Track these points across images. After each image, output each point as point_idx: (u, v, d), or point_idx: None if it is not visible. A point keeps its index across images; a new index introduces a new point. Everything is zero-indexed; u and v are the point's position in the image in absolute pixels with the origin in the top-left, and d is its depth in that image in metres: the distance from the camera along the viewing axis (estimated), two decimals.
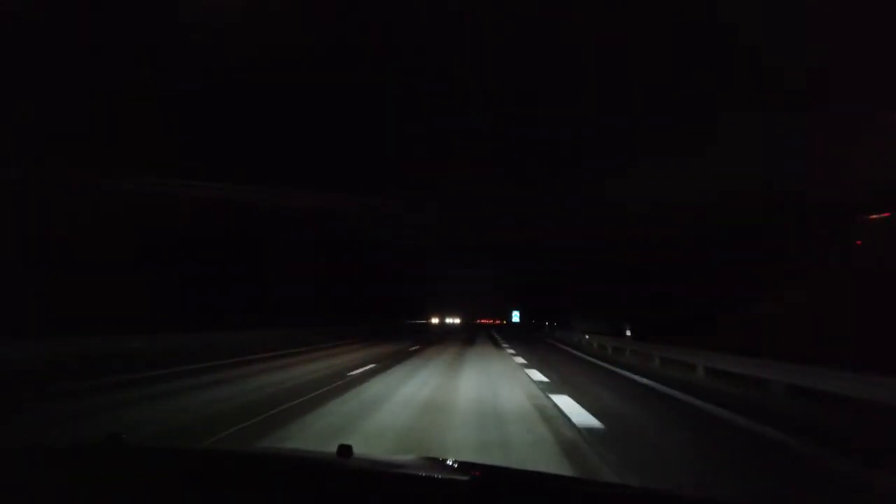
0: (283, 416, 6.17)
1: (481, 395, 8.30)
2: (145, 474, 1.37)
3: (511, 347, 22.11)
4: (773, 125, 11.12)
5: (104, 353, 11.89)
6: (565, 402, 7.57)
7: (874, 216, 12.21)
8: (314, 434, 5.34)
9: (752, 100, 10.70)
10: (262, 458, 1.76)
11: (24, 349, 10.57)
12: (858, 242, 12.52)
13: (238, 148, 16.03)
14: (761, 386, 9.13)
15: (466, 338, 32.53)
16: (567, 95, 12.60)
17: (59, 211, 14.62)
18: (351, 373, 11.07)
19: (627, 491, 1.85)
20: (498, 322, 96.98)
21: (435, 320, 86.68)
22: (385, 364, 13.33)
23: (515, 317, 79.97)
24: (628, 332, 21.10)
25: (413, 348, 19.73)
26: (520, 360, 15.73)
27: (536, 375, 11.45)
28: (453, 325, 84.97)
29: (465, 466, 1.80)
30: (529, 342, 28.66)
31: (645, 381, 10.94)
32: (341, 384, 9.20)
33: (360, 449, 1.59)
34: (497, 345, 24.71)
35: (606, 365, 14.69)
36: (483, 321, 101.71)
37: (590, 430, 5.77)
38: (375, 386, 9.19)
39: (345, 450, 1.51)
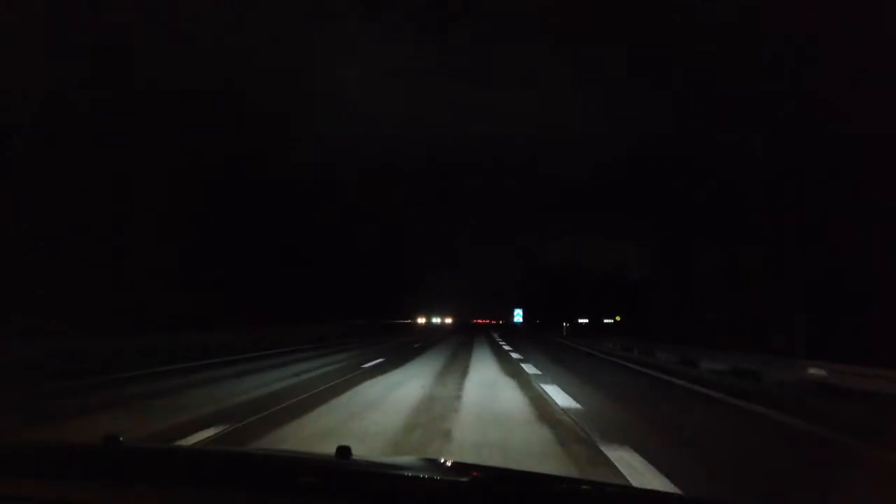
0: None
1: None
2: (143, 475, 1.37)
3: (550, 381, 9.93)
4: None
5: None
6: None
7: None
8: None
9: None
10: (260, 458, 1.79)
11: (113, 344, 11.84)
12: None
13: None
14: None
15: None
16: None
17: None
18: None
19: (627, 491, 2.04)
20: (495, 322, 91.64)
21: (422, 320, 75.98)
22: None
23: (517, 316, 69.45)
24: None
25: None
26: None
27: None
28: (444, 325, 75.58)
29: (463, 467, 1.85)
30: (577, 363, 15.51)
31: None
32: None
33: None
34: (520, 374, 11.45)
35: None
36: (480, 321, 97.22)
37: None
38: None
39: (343, 450, 1.51)
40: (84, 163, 15.01)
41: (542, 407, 6.92)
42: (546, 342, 28.06)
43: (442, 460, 2.24)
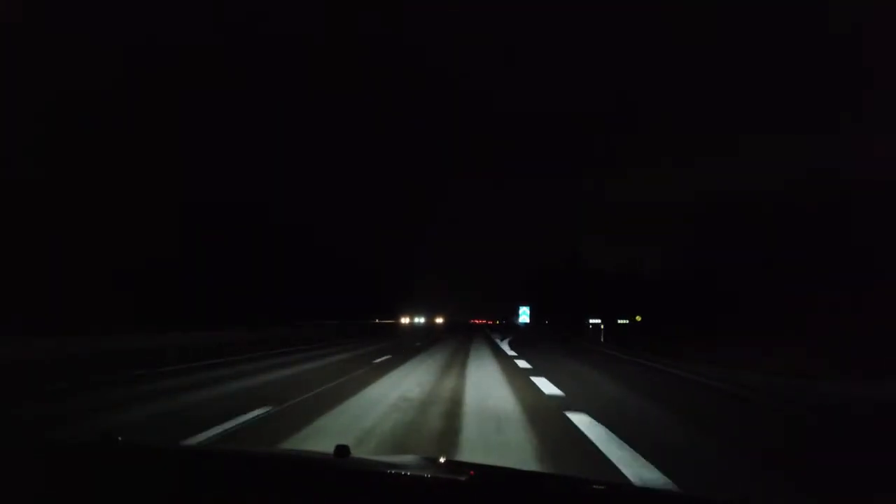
0: None
1: None
2: (141, 474, 1.37)
3: None
4: None
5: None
6: None
7: None
8: None
9: None
10: (258, 458, 1.77)
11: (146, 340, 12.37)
12: None
13: None
14: None
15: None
16: None
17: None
18: None
19: (626, 490, 2.06)
20: (492, 322, 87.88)
21: (406, 320, 68.61)
22: None
23: (523, 315, 56.40)
24: None
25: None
26: None
27: None
28: (435, 326, 66.39)
29: (461, 466, 1.90)
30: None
31: None
32: None
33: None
34: None
35: None
36: (478, 321, 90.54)
37: None
38: None
39: (342, 450, 1.51)
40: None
41: None
42: (618, 368, 14.50)
43: (440, 459, 2.17)
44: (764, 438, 5.51)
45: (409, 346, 18.87)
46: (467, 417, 5.81)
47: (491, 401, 6.97)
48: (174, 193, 22.79)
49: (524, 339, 29.28)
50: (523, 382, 9.03)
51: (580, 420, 5.62)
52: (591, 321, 74.21)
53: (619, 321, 65.47)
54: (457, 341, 24.58)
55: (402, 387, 8.16)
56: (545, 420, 5.70)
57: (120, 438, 1.54)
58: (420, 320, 73.22)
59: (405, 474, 1.52)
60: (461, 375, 10.11)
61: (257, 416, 5.63)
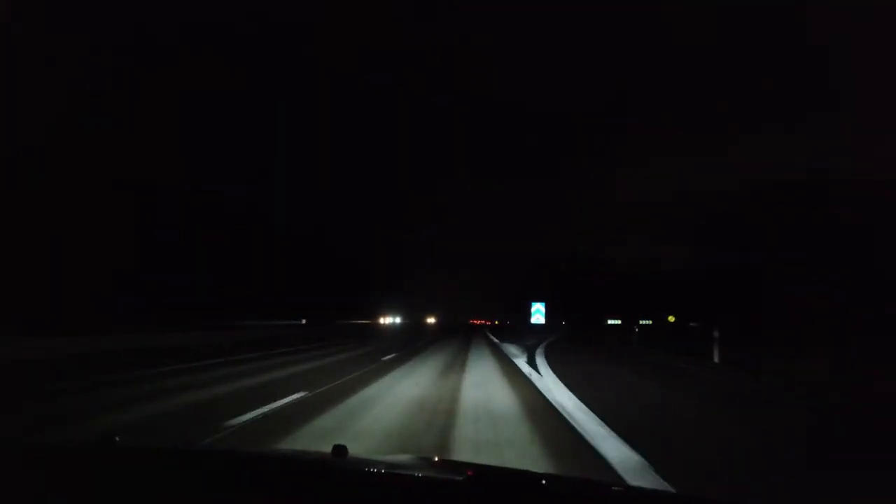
0: None
1: None
2: (139, 475, 1.37)
3: None
4: None
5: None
6: None
7: None
8: None
9: None
10: (255, 458, 1.78)
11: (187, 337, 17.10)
12: None
13: None
14: None
15: None
16: None
17: None
18: None
19: (625, 491, 1.92)
20: (489, 322, 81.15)
21: (384, 320, 60.57)
22: None
23: (537, 314, 43.37)
24: None
25: None
26: None
27: None
28: (428, 326, 57.76)
29: (459, 466, 1.91)
30: None
31: None
32: None
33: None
34: None
35: None
36: (477, 321, 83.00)
37: None
38: None
39: (339, 450, 1.53)
40: None
41: None
42: None
43: (437, 459, 2.25)
44: None
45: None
46: None
47: None
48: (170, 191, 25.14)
49: (562, 348, 19.09)
50: None
51: None
52: (611, 322, 59.07)
53: (642, 322, 44.32)
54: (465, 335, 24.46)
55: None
56: None
57: (117, 439, 1.55)
58: (397, 321, 61.93)
59: (403, 474, 1.53)
60: None
61: None
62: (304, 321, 38.35)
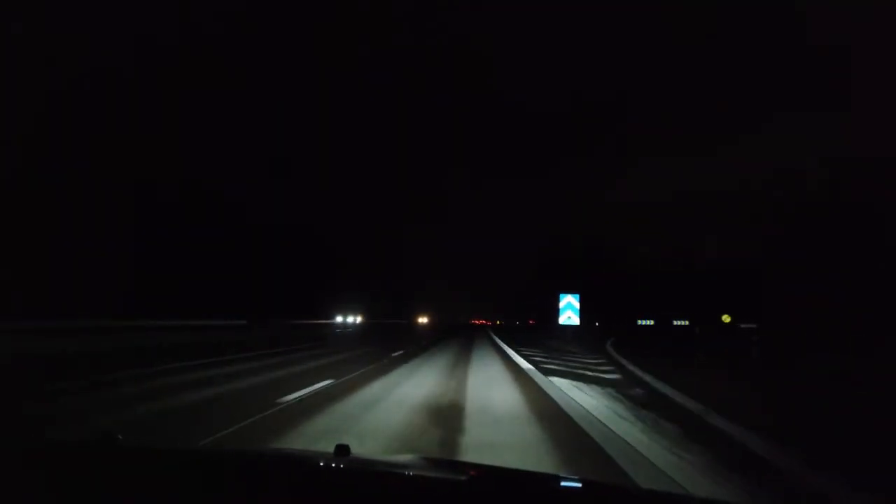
0: None
1: None
2: (140, 475, 1.35)
3: None
4: None
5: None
6: None
7: None
8: None
9: None
10: (258, 457, 1.75)
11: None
12: None
13: None
14: None
15: None
16: None
17: None
18: None
19: (626, 491, 1.93)
20: (489, 323, 79.88)
21: (343, 318, 49.36)
22: None
23: (569, 310, 27.54)
24: None
25: None
26: None
27: None
28: (422, 326, 54.41)
29: (461, 466, 1.90)
30: None
31: None
32: None
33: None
34: None
35: None
36: (477, 322, 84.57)
37: None
38: None
39: (342, 449, 1.51)
40: None
41: None
42: None
43: (440, 459, 2.18)
44: None
45: None
46: None
47: None
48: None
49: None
50: None
51: None
52: (642, 322, 53.53)
53: (676, 322, 50.02)
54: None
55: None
56: None
57: (120, 437, 1.53)
58: (351, 319, 50.49)
59: (405, 474, 1.52)
60: None
61: None
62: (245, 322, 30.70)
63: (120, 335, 17.44)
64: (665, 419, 5.49)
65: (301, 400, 6.26)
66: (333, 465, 1.47)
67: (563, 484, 1.71)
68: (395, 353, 14.04)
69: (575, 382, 8.63)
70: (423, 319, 68.50)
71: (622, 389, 7.90)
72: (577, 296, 25.25)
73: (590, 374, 10.24)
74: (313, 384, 7.49)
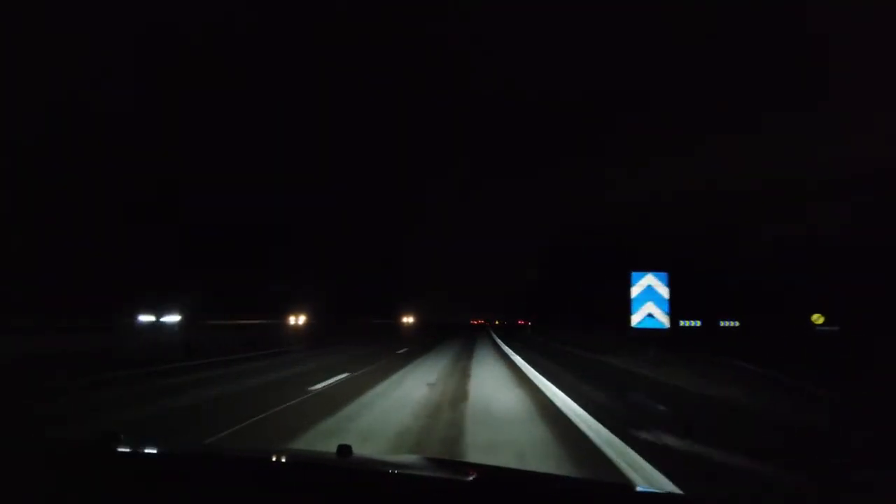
0: None
1: None
2: (143, 474, 1.34)
3: None
4: None
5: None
6: None
7: None
8: None
9: None
10: (260, 457, 1.74)
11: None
12: None
13: None
14: None
15: None
16: None
17: None
18: None
19: (627, 492, 1.92)
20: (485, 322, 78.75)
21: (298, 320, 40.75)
22: None
23: (650, 303, 13.85)
24: None
25: None
26: None
27: None
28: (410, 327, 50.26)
29: (464, 467, 1.89)
30: None
31: None
32: None
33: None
34: None
35: None
36: (476, 322, 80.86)
37: None
38: None
39: (344, 449, 1.51)
40: None
41: None
42: None
43: (442, 459, 2.16)
44: None
45: None
46: None
47: None
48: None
49: None
50: None
51: None
52: (687, 323, 45.44)
53: (723, 323, 43.40)
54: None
55: None
56: None
57: (122, 436, 1.52)
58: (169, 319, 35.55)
59: (408, 474, 1.51)
60: None
61: None
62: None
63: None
64: None
65: None
66: (335, 465, 1.48)
67: (563, 485, 1.68)
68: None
69: None
70: (408, 319, 62.79)
71: None
72: (665, 276, 14.08)
73: None
74: None
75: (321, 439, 4.85)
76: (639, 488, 2.97)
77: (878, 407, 7.14)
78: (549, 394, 8.10)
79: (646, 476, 3.70)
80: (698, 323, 44.54)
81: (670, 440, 4.85)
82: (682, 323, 44.72)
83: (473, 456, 4.37)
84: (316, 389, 7.97)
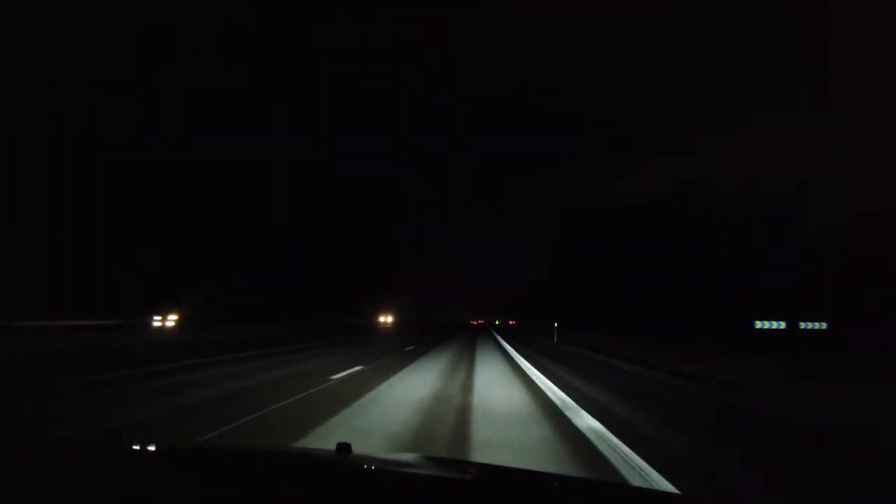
0: None
1: None
2: (143, 473, 1.34)
3: None
4: None
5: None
6: None
7: None
8: None
9: None
10: (261, 456, 1.74)
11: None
12: None
13: None
14: None
15: None
16: None
17: None
18: None
19: (627, 491, 1.93)
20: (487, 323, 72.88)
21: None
22: None
23: None
24: None
25: None
26: None
27: None
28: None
29: (463, 465, 1.93)
30: None
31: None
32: None
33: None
34: None
35: None
36: (475, 322, 74.73)
37: None
38: None
39: (344, 448, 1.51)
40: None
41: None
42: None
43: (442, 457, 2.19)
44: None
45: None
46: None
47: None
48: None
49: None
50: None
51: None
52: (761, 323, 39.88)
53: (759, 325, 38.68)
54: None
55: None
56: None
57: (124, 435, 1.54)
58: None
59: (407, 473, 1.51)
60: None
61: None
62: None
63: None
64: None
65: None
66: (335, 462, 1.48)
67: (563, 484, 1.67)
68: None
69: None
70: (387, 318, 56.12)
71: None
72: None
73: None
74: None
75: None
76: (638, 487, 2.98)
77: None
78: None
79: (645, 476, 3.70)
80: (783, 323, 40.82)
81: None
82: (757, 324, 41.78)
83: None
84: None
